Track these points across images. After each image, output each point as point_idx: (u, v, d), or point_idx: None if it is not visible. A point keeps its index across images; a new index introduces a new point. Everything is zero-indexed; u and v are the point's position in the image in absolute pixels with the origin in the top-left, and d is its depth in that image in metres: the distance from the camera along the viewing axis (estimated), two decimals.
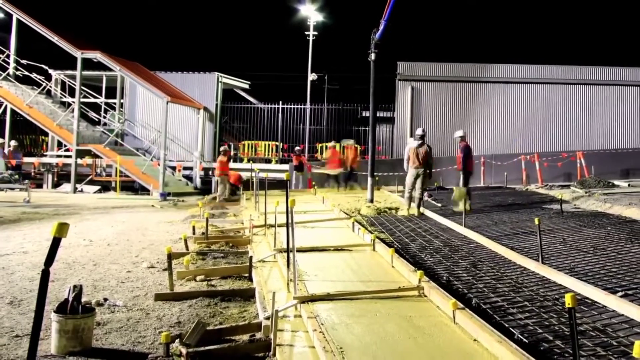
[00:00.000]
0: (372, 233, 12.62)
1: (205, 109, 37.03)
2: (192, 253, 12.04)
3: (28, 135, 41.07)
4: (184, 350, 6.29)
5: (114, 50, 33.92)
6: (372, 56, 20.19)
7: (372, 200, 19.80)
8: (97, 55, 31.28)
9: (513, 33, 65.22)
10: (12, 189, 26.67)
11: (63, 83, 37.47)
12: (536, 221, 10.44)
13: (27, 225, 17.07)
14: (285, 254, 8.78)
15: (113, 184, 31.08)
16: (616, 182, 25.46)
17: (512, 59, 34.20)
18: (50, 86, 36.05)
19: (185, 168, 34.19)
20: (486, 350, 5.91)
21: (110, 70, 33.19)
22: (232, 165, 35.41)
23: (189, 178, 33.77)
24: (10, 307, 8.42)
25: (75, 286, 6.87)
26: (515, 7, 72.25)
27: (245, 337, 6.93)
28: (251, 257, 10.81)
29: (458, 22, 75.01)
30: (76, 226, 16.34)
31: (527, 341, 6.33)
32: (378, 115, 39.33)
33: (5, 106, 32.06)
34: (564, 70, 33.94)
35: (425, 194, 19.52)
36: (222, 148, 25.68)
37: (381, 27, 18.98)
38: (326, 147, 34.48)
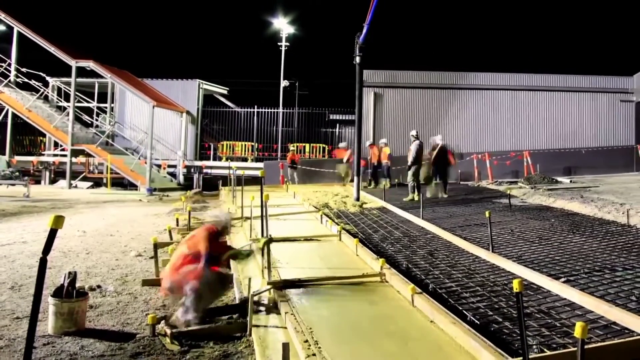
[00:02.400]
0: (338, 225, 12.63)
1: (188, 112, 37.03)
2: (176, 243, 11.98)
3: (27, 136, 40.75)
4: (168, 331, 6.29)
5: (105, 58, 33.82)
6: (357, 59, 19.36)
7: (358, 199, 18.98)
8: (89, 64, 31.18)
9: (465, 43, 65.60)
10: (13, 184, 26.45)
11: (59, 89, 37.24)
12: (487, 214, 10.46)
13: (26, 217, 16.90)
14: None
15: (104, 181, 30.94)
16: (559, 179, 25.47)
17: (466, 67, 34.41)
18: (48, 92, 35.85)
19: (169, 166, 34.15)
20: (442, 331, 5.95)
21: (102, 77, 33.07)
22: (211, 163, 35.57)
23: (173, 175, 33.73)
24: (12, 292, 8.36)
25: (70, 273, 6.85)
26: (467, 20, 72.65)
27: (224, 318, 6.92)
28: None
29: (416, 32, 75.44)
30: (71, 218, 16.20)
31: (478, 322, 6.33)
32: (344, 118, 39.76)
33: (7, 110, 31.83)
34: (511, 78, 34.15)
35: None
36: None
37: (364, 31, 18.43)
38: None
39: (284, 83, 45.94)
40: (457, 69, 35.07)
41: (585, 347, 4.07)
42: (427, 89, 33.72)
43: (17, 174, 28.48)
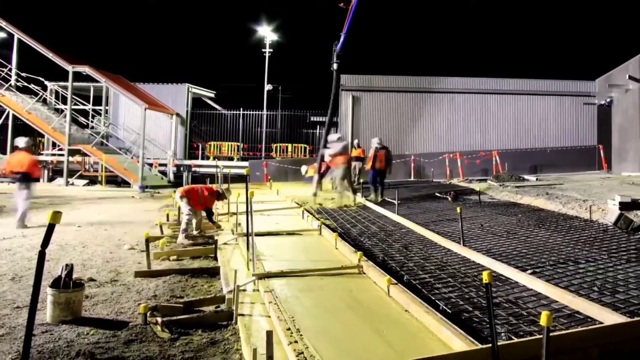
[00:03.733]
0: (318, 220, 12.63)
1: (178, 114, 36.95)
2: (166, 237, 11.95)
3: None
4: (159, 319, 6.27)
5: (100, 64, 33.58)
6: (335, 66, 19.22)
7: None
8: (85, 69, 30.96)
9: (439, 49, 65.90)
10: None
11: (57, 92, 37.13)
12: (458, 210, 10.49)
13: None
14: (245, 238, 8.76)
15: (99, 178, 30.74)
16: (526, 177, 25.53)
17: (439, 72, 34.52)
18: (46, 95, 35.59)
19: (160, 164, 34.03)
20: (415, 319, 5.97)
21: (97, 81, 32.82)
22: (199, 162, 35.50)
23: (163, 173, 33.53)
24: (12, 283, 8.33)
25: (67, 265, 6.83)
26: (440, 27, 72.96)
27: (212, 308, 6.92)
28: (216, 240, 10.79)
29: (391, 38, 75.77)
30: (68, 214, 16.13)
31: (450, 311, 6.33)
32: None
33: (8, 112, 31.64)
34: (481, 82, 34.23)
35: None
36: None
37: (341, 40, 18.32)
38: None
39: (267, 87, 46.11)
40: (430, 74, 35.20)
41: (550, 334, 4.09)
42: (402, 92, 33.72)
43: None
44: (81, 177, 31.35)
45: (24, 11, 58.60)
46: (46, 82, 36.49)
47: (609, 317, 5.69)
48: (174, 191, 16.09)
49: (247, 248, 8.29)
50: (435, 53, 64.82)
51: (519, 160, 31.25)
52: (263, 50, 47.13)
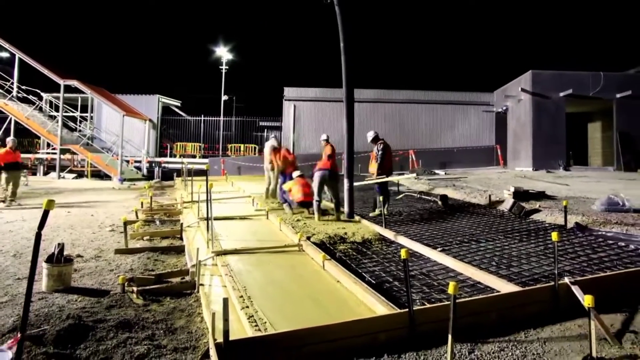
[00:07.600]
0: (266, 206, 12.60)
1: (150, 120, 36.66)
2: (141, 221, 11.77)
3: (26, 138, 39.53)
4: (135, 289, 6.20)
5: (87, 77, 32.97)
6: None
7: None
8: (74, 83, 30.44)
9: (364, 64, 66.49)
10: None
11: (50, 102, 36.49)
12: (380, 198, 10.56)
13: (25, 201, 16.31)
14: (205, 221, 8.67)
15: (86, 173, 30.29)
16: (437, 171, 25.73)
17: (364, 85, 34.70)
18: (42, 104, 35.02)
19: (136, 161, 33.65)
20: (346, 289, 5.98)
21: (84, 93, 32.35)
22: (168, 159, 35.15)
23: (138, 168, 33.15)
24: (14, 259, 8.12)
25: (59, 244, 6.74)
26: (370, 46, 73.51)
27: (178, 279, 6.85)
28: (182, 223, 10.66)
29: (326, 53, 76.19)
30: (60, 202, 15.73)
31: (374, 282, 6.34)
32: (270, 124, 39.76)
33: (10, 118, 30.85)
34: (399, 93, 34.59)
35: None
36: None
37: None
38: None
39: (224, 97, 46.01)
40: (360, 87, 35.49)
41: (457, 301, 4.18)
42: (335, 102, 33.69)
43: None
44: (71, 171, 30.97)
45: (23, 31, 57.44)
46: (42, 93, 35.93)
47: (504, 287, 5.76)
48: (147, 184, 15.84)
49: (207, 230, 8.22)
50: (361, 68, 65.56)
51: (431, 157, 31.64)
52: (220, 67, 47.04)
